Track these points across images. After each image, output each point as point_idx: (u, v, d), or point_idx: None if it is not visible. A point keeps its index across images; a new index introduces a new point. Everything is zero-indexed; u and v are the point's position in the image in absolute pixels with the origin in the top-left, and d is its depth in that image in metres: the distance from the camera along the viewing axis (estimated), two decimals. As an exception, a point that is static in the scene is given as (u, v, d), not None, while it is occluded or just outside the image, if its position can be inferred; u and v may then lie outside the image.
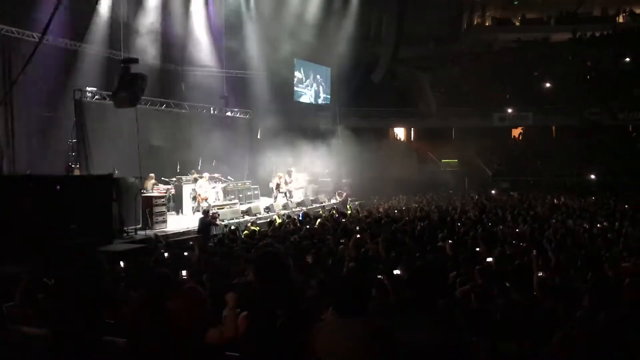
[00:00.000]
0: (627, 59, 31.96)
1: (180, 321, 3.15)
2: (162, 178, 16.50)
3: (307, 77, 27.55)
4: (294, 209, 17.24)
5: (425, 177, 26.29)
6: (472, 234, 9.69)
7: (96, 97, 16.28)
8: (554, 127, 31.77)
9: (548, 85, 31.71)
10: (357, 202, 20.15)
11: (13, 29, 14.00)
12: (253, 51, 21.97)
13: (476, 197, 21.83)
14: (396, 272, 5.59)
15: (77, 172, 14.34)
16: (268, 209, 16.90)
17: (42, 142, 14.60)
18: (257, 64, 22.31)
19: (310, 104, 27.37)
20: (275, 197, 18.67)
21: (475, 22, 38.95)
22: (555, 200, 19.17)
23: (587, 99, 29.70)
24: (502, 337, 3.97)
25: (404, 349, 2.61)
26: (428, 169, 28.11)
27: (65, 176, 13.25)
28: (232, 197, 18.02)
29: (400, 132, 35.03)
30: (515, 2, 38.25)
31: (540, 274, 5.69)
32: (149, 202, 13.22)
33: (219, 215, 13.99)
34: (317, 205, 19.45)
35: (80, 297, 3.14)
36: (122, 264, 7.68)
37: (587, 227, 11.59)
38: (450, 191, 25.27)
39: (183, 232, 13.14)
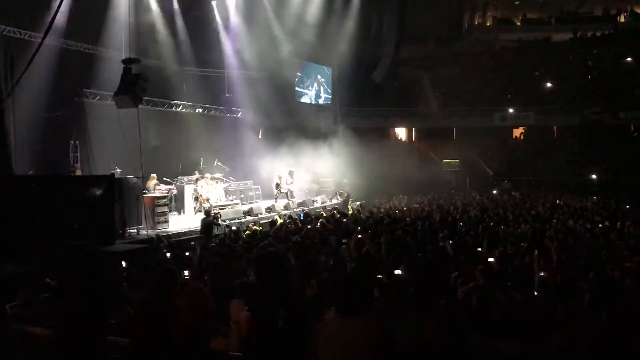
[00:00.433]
0: (629, 59, 31.92)
1: (185, 321, 3.16)
2: (164, 178, 16.53)
3: (308, 77, 27.59)
4: (295, 209, 17.25)
5: (427, 177, 26.27)
6: (473, 234, 9.70)
7: (98, 97, 16.32)
8: (555, 127, 31.74)
9: (549, 84, 31.69)
10: (358, 202, 20.17)
11: (15, 29, 14.02)
12: (254, 51, 21.98)
13: (477, 197, 21.82)
14: (397, 272, 5.61)
15: (79, 173, 14.37)
16: (269, 209, 16.91)
17: (44, 142, 14.62)
18: (258, 64, 22.32)
19: (311, 104, 27.41)
20: (276, 198, 18.68)
21: (476, 22, 38.96)
22: (556, 200, 19.15)
23: (588, 98, 29.68)
24: (503, 337, 3.98)
25: (405, 348, 2.62)
26: (429, 168, 28.08)
27: (67, 177, 13.27)
28: (234, 197, 18.04)
29: (401, 132, 35.01)
30: (517, 2, 38.25)
31: (541, 273, 5.70)
32: (151, 202, 13.24)
33: (220, 215, 14.01)
34: (318, 205, 19.46)
35: (82, 297, 3.16)
36: (124, 264, 7.70)
37: (589, 226, 11.59)
38: (452, 191, 25.26)
39: (185, 232, 13.16)
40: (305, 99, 26.88)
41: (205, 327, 3.20)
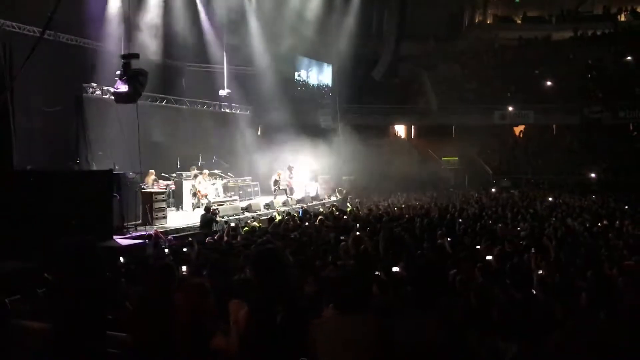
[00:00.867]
0: (629, 58, 31.92)
1: (184, 317, 3.16)
2: (162, 174, 16.51)
3: (308, 74, 27.56)
4: (293, 206, 17.25)
5: (426, 175, 26.27)
6: (471, 232, 9.71)
7: (97, 92, 16.28)
8: (554, 126, 31.73)
9: (549, 83, 31.67)
10: (357, 200, 20.15)
11: (14, 23, 13.97)
12: (254, 47, 21.94)
13: (476, 195, 21.83)
14: (395, 269, 5.61)
15: (77, 168, 14.34)
16: (268, 205, 16.91)
17: (43, 137, 14.59)
18: (258, 61, 22.28)
19: (310, 104, 27.28)
20: (275, 194, 18.68)
21: (476, 20, 38.95)
22: (555, 199, 19.17)
23: (588, 97, 29.69)
24: (502, 335, 3.98)
25: (404, 346, 2.62)
26: (428, 166, 28.08)
27: (65, 172, 13.25)
28: (232, 193, 18.03)
29: (401, 130, 34.99)
30: (517, 1, 38.22)
31: (540, 272, 5.70)
32: (149, 198, 13.23)
33: (218, 211, 14.01)
34: (317, 202, 19.47)
35: (81, 292, 3.15)
36: (122, 259, 7.70)
37: (588, 225, 11.60)
38: (451, 189, 25.27)
39: (183, 228, 13.16)
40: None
41: (205, 323, 3.20)
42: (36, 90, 14.18)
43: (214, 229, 12.45)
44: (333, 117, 27.72)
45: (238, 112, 22.86)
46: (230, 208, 15.59)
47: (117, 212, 11.79)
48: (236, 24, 21.42)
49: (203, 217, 12.67)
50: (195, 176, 16.51)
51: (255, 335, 3.04)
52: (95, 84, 16.12)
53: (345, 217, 13.06)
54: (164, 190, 14.96)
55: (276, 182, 18.92)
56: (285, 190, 19.04)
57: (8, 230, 9.19)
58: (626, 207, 15.44)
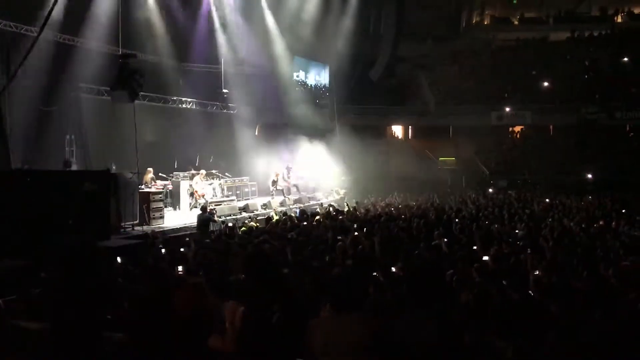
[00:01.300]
0: (625, 59, 32.02)
1: (183, 317, 3.15)
2: (160, 174, 16.50)
3: (305, 74, 27.57)
4: (291, 206, 17.26)
5: (423, 175, 26.28)
6: (467, 232, 9.73)
7: (94, 92, 16.26)
8: (551, 126, 31.80)
9: (546, 84, 31.74)
10: (354, 200, 20.16)
11: (11, 23, 13.94)
12: (252, 48, 21.94)
13: (473, 195, 21.86)
14: (393, 269, 5.62)
15: (74, 168, 14.32)
16: (265, 205, 16.90)
17: (40, 137, 14.57)
18: (255, 61, 22.28)
19: (308, 105, 27.26)
20: (273, 194, 18.68)
21: (474, 21, 39.02)
22: (551, 200, 19.21)
23: (585, 98, 29.76)
24: (499, 335, 3.99)
25: (401, 345, 2.62)
26: (426, 167, 28.09)
27: (62, 171, 13.22)
28: (230, 193, 18.02)
29: (398, 130, 35.02)
30: (514, 2, 38.32)
31: (536, 272, 5.72)
32: (147, 198, 13.21)
33: (215, 211, 13.99)
34: (315, 202, 19.47)
35: (78, 291, 3.15)
36: (119, 259, 7.68)
37: (584, 226, 11.63)
38: (448, 189, 25.30)
39: (180, 228, 13.15)
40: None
41: (204, 323, 3.20)
42: (33, 89, 14.16)
43: (212, 229, 12.44)
44: (330, 118, 27.72)
45: (235, 112, 22.85)
46: (228, 208, 15.58)
47: (115, 211, 11.77)
48: (235, 24, 21.42)
49: (200, 217, 12.66)
50: (193, 176, 16.50)
51: (251, 335, 3.04)
52: (92, 84, 16.10)
53: (342, 217, 13.06)
54: (162, 190, 14.95)
55: (274, 183, 18.93)
56: (282, 190, 19.06)
57: (4, 229, 9.17)
58: (623, 210, 15.35)
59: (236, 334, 3.14)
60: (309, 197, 19.93)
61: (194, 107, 20.86)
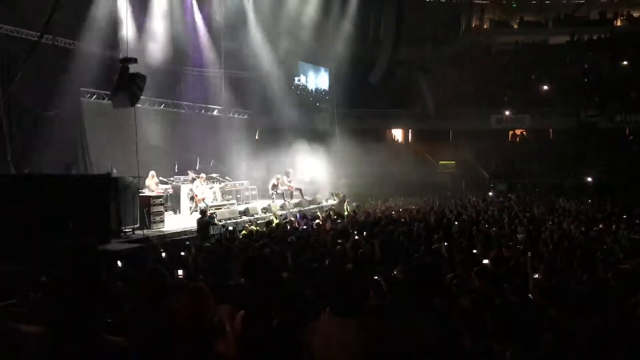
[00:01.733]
0: (625, 62, 32.09)
1: (185, 319, 3.16)
2: (160, 178, 16.52)
3: (306, 78, 27.63)
4: (291, 210, 17.26)
5: (423, 179, 26.30)
6: (467, 236, 9.73)
7: (95, 96, 16.29)
8: (551, 129, 31.84)
9: (546, 87, 31.80)
10: (354, 204, 20.18)
11: (12, 27, 13.99)
12: (252, 52, 22.00)
13: (473, 198, 21.87)
14: (393, 273, 5.62)
15: (75, 172, 14.34)
16: (266, 209, 16.91)
17: (41, 141, 14.58)
18: (255, 65, 22.34)
19: (308, 108, 27.32)
20: (273, 198, 18.70)
21: (473, 24, 39.08)
22: (551, 203, 19.22)
23: (584, 101, 29.80)
24: (498, 339, 3.99)
25: (399, 348, 2.63)
26: (426, 170, 28.10)
27: (63, 175, 13.24)
28: (230, 197, 18.03)
29: (398, 134, 35.04)
30: (514, 5, 38.39)
31: (536, 275, 5.72)
32: (147, 201, 13.22)
33: (216, 215, 14.00)
34: (315, 206, 19.48)
35: (79, 296, 3.16)
36: (119, 263, 7.69)
37: (584, 229, 11.63)
38: (448, 193, 25.30)
39: (180, 232, 13.15)
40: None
41: (205, 327, 3.20)
42: (34, 94, 14.19)
43: (212, 233, 12.44)
44: (330, 121, 27.74)
45: (236, 116, 22.89)
46: (228, 212, 15.59)
47: (115, 215, 11.78)
48: (234, 28, 21.48)
49: (200, 220, 12.67)
50: (193, 180, 16.51)
51: (251, 340, 3.05)
52: (93, 88, 16.13)
53: (342, 221, 13.07)
54: (162, 194, 14.96)
55: (274, 187, 18.94)
56: (283, 194, 19.07)
57: (5, 233, 9.18)
58: (623, 214, 15.34)
59: (236, 339, 3.15)
60: (309, 201, 19.93)
61: (195, 111, 20.89)
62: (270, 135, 22.88)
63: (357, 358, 2.74)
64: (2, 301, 5.02)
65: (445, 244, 8.19)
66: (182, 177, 17.00)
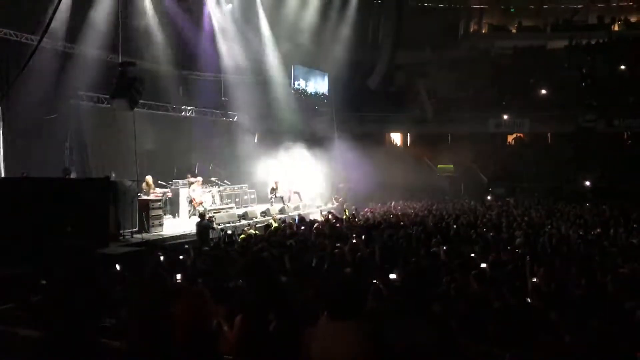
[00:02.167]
0: (623, 67, 32.17)
1: (186, 324, 3.16)
2: (159, 182, 16.51)
3: (305, 82, 27.64)
4: (290, 213, 17.26)
5: (422, 183, 26.33)
6: (466, 240, 9.74)
7: (94, 100, 16.29)
8: (549, 134, 31.90)
9: (544, 92, 31.86)
10: (353, 207, 20.18)
11: (11, 31, 14.00)
12: (251, 56, 22.04)
13: (471, 202, 21.89)
14: (392, 276, 5.63)
15: (73, 175, 14.33)
16: (264, 213, 16.91)
17: (39, 144, 14.59)
18: (255, 69, 22.38)
19: (307, 112, 27.31)
20: (272, 201, 18.70)
21: (472, 29, 39.19)
22: (550, 207, 19.24)
23: (582, 106, 29.85)
24: (496, 343, 4.00)
25: (397, 351, 2.64)
26: (424, 174, 28.14)
27: (61, 179, 13.23)
28: (229, 201, 18.02)
29: (396, 138, 35.09)
30: (512, 10, 38.51)
31: (534, 280, 5.73)
32: (146, 205, 13.21)
33: (214, 219, 13.99)
34: (314, 209, 19.48)
35: (76, 299, 3.16)
36: (118, 267, 7.68)
37: (582, 233, 11.65)
38: (446, 197, 25.32)
39: (179, 235, 13.14)
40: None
41: (206, 330, 3.21)
42: (33, 97, 14.19)
43: (211, 236, 12.44)
44: (329, 125, 27.75)
45: (235, 119, 22.91)
46: (227, 215, 15.58)
47: (114, 219, 11.77)
48: (234, 32, 21.52)
49: (198, 224, 12.66)
50: (191, 184, 16.50)
51: (249, 343, 3.05)
52: (92, 92, 16.14)
53: (340, 224, 13.07)
54: (161, 197, 14.95)
55: (273, 190, 18.95)
56: (282, 197, 19.08)
57: (3, 237, 9.17)
58: (621, 218, 15.36)
59: (234, 341, 3.15)
60: (308, 205, 19.94)
61: (194, 114, 20.91)
62: (270, 138, 22.88)
63: (355, 361, 2.74)
64: (2, 304, 5.02)
65: (444, 247, 8.19)
66: (181, 181, 17.00)
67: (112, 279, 6.73)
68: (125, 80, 13.01)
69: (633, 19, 36.57)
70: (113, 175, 13.72)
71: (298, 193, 20.05)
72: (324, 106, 28.88)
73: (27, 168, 13.99)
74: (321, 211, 18.84)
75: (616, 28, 36.48)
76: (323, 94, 28.88)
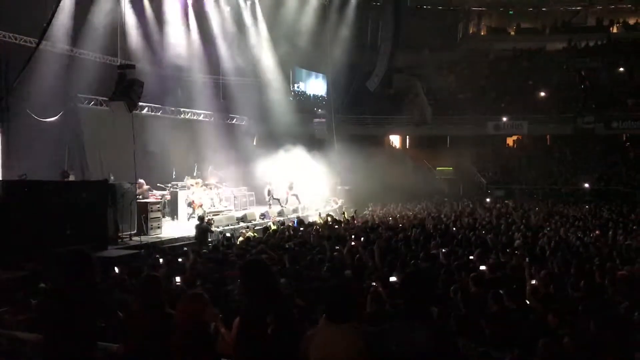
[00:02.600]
0: (621, 69, 32.24)
1: (186, 326, 3.16)
2: (158, 184, 16.49)
3: (304, 84, 27.70)
4: (289, 216, 17.25)
5: (421, 185, 26.32)
6: (465, 242, 9.74)
7: (92, 103, 16.28)
8: (548, 136, 31.95)
9: (543, 94, 31.92)
10: (352, 210, 20.17)
11: (10, 34, 14.00)
12: (250, 58, 22.06)
13: (470, 204, 21.90)
14: (392, 279, 5.63)
15: (72, 178, 14.30)
16: (263, 215, 16.89)
17: (38, 147, 14.56)
18: (254, 71, 22.39)
19: (306, 114, 27.35)
20: (270, 204, 18.68)
21: (470, 31, 39.27)
22: (548, 209, 19.26)
23: (581, 108, 29.92)
24: (495, 344, 4.00)
25: (395, 354, 2.63)
26: (423, 176, 28.16)
27: (60, 182, 13.21)
28: (228, 203, 18.00)
29: (395, 140, 35.12)
30: (511, 12, 38.59)
31: (533, 282, 5.74)
32: (145, 208, 13.18)
33: (213, 221, 13.98)
34: (313, 212, 19.46)
35: (75, 302, 3.16)
36: (116, 269, 7.68)
37: (581, 235, 11.66)
38: (445, 199, 25.33)
39: (178, 238, 13.11)
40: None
41: (206, 333, 3.20)
42: (32, 100, 14.18)
43: (209, 239, 12.42)
44: (328, 128, 27.77)
45: (234, 122, 22.91)
46: (226, 218, 15.56)
47: (112, 222, 11.75)
48: (233, 34, 21.53)
49: (198, 227, 12.65)
50: (190, 186, 16.48)
51: (246, 344, 3.05)
52: (90, 95, 16.12)
53: (339, 227, 13.07)
54: (160, 200, 14.93)
55: (269, 193, 18.96)
56: (279, 200, 19.07)
57: (2, 239, 9.15)
58: (619, 220, 15.37)
59: (231, 344, 3.15)
60: (307, 207, 19.92)
61: (193, 117, 20.90)
62: (268, 141, 22.88)
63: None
64: (1, 308, 5.01)
65: (443, 250, 8.20)
66: (179, 184, 16.97)
67: (110, 282, 6.73)
68: (125, 83, 13.01)
69: (631, 21, 36.67)
70: (112, 177, 13.68)
71: (296, 195, 20.03)
72: (322, 108, 28.91)
73: (25, 171, 13.98)
74: (320, 213, 18.83)
75: (615, 30, 36.58)
76: (322, 96, 28.92)
